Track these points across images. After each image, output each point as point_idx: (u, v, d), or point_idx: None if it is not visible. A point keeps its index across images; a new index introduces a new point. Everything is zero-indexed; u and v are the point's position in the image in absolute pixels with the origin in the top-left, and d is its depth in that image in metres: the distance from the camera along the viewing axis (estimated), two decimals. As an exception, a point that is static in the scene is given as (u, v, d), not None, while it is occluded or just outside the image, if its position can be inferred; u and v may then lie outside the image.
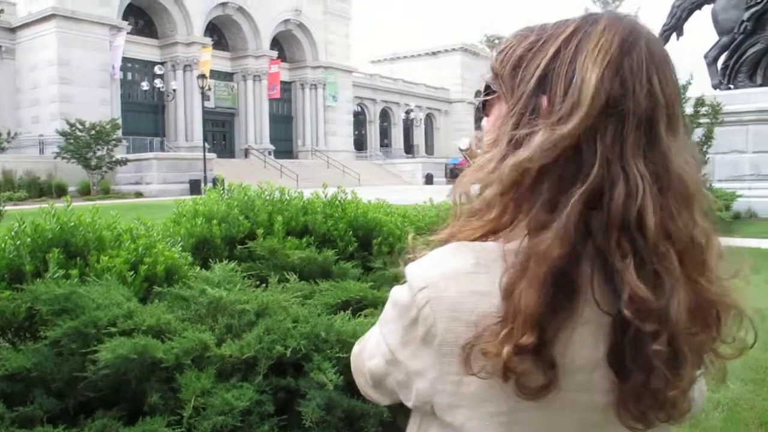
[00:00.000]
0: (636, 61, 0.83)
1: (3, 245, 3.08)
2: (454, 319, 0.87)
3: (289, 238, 3.59)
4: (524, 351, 0.82)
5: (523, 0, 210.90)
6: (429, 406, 0.93)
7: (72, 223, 3.18)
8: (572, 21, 0.88)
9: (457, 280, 0.88)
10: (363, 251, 3.92)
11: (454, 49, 78.00)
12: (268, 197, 3.91)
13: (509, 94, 0.90)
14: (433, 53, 79.55)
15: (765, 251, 9.72)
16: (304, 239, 3.59)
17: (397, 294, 0.95)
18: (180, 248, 3.41)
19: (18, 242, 3.09)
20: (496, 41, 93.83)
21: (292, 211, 3.75)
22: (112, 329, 2.49)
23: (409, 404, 0.98)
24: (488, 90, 1.00)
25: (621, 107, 0.82)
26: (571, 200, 0.81)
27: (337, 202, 4.06)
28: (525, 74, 0.88)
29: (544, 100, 0.85)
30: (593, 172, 0.81)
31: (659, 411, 0.88)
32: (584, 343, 0.85)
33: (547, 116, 0.84)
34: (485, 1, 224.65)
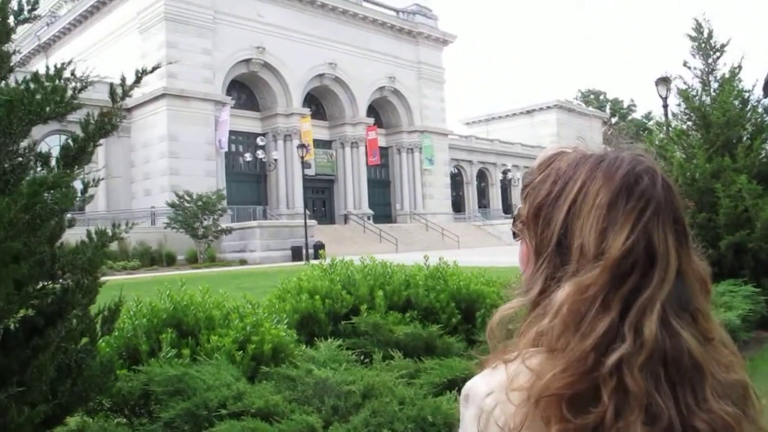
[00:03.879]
0: (619, 216, 0.93)
1: (122, 325, 3.23)
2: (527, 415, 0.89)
3: (392, 312, 3.58)
4: None
5: (614, 54, 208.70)
6: None
7: (184, 303, 3.31)
8: (579, 174, 0.98)
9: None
10: (466, 324, 3.86)
11: (549, 107, 77.72)
12: (370, 271, 3.94)
13: (533, 237, 1.03)
14: (528, 112, 79.48)
15: None
16: (408, 314, 3.57)
17: (463, 409, 0.99)
18: (285, 325, 3.47)
19: (135, 322, 3.24)
20: (591, 96, 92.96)
21: (395, 284, 3.75)
22: (222, 411, 2.53)
23: None
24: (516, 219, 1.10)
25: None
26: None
27: (439, 273, 4.04)
28: (545, 228, 1.00)
29: (564, 259, 0.97)
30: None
31: None
32: None
33: (566, 271, 0.96)
34: (577, 57, 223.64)
